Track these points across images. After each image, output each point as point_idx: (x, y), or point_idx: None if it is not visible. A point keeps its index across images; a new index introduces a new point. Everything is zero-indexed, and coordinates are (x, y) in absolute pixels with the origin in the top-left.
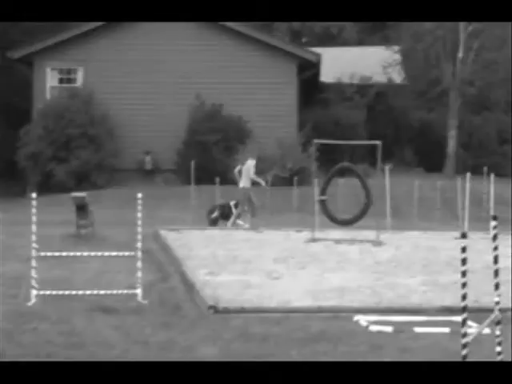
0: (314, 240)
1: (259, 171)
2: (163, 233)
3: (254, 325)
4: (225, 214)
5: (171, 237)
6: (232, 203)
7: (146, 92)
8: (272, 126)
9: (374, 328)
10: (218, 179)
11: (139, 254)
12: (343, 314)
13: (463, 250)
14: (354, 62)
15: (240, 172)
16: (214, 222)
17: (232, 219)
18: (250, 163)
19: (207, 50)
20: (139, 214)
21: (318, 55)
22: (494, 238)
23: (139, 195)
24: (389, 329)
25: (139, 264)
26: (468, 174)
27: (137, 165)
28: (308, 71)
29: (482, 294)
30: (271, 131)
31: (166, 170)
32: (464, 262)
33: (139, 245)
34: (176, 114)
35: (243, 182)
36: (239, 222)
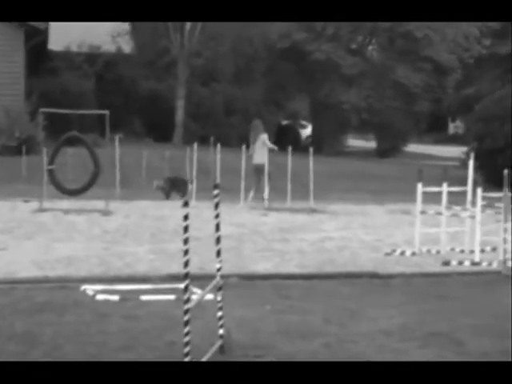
0: (41, 210)
1: None
2: None
3: None
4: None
5: None
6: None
7: None
8: None
9: (100, 297)
10: None
11: None
12: (70, 284)
13: (185, 217)
14: (83, 30)
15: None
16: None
17: (252, 193)
18: (265, 137)
19: None
20: None
21: (46, 23)
22: (216, 206)
23: None
24: (115, 297)
25: None
26: (195, 144)
27: None
28: (35, 38)
29: (207, 260)
30: None
31: None
32: (186, 229)
33: None
34: None
35: (260, 158)
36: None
